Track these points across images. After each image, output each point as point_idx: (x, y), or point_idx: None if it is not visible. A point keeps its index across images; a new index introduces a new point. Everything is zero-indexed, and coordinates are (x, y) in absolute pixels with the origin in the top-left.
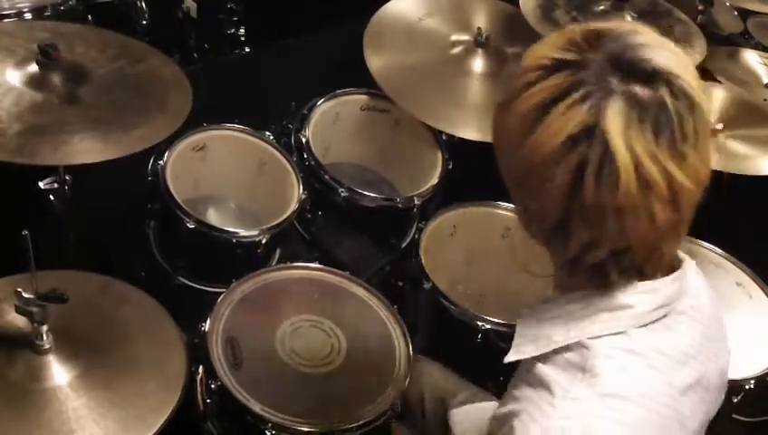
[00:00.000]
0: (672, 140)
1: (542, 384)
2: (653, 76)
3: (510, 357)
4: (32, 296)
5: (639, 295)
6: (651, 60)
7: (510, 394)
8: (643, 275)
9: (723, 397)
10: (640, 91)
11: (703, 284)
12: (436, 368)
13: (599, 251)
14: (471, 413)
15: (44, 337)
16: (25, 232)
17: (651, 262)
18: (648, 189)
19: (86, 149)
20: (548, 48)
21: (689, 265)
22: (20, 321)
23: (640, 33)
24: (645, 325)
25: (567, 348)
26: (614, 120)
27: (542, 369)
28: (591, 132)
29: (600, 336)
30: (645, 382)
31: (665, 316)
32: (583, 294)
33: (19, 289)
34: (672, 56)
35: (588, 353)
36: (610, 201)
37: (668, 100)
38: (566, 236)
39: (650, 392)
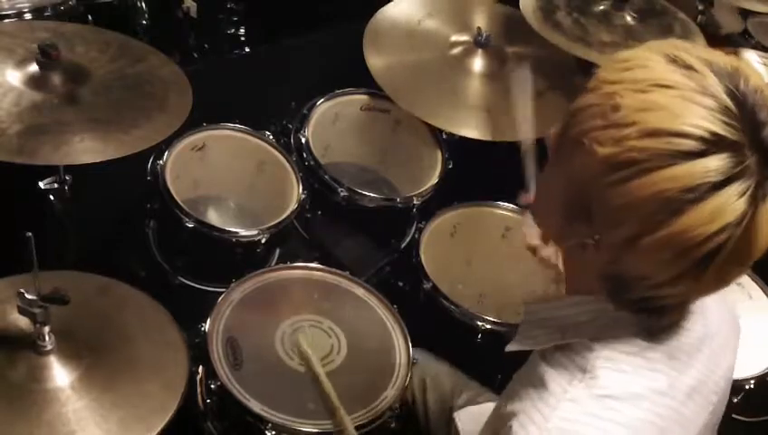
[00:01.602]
0: None
1: (542, 383)
2: None
3: (511, 347)
4: (34, 297)
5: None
6: None
7: (512, 389)
8: None
9: (725, 404)
10: None
11: None
12: (440, 365)
13: (675, 299)
14: (477, 415)
15: (46, 338)
16: (29, 233)
17: None
18: (756, 259)
19: (86, 149)
20: (700, 114)
21: None
22: (22, 322)
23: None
24: (648, 332)
25: (570, 347)
26: (766, 207)
27: (543, 367)
28: (742, 220)
29: (604, 339)
30: (645, 385)
31: (668, 325)
32: (593, 299)
33: (21, 290)
34: None
35: (590, 355)
36: (729, 274)
37: None
38: (655, 289)
39: (651, 395)
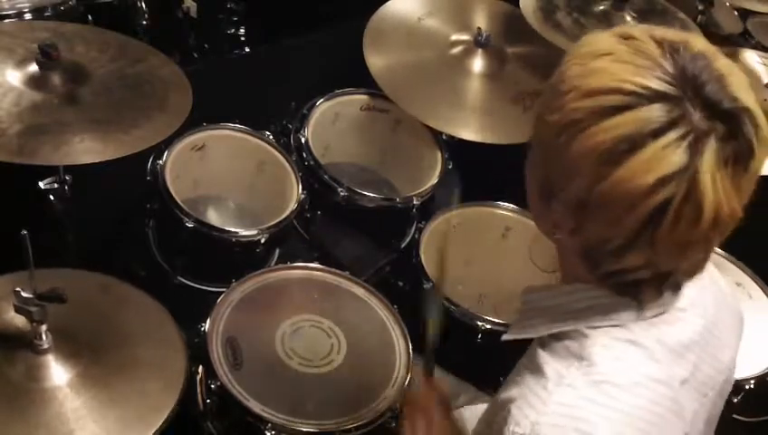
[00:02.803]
0: (741, 177)
1: (540, 370)
2: (739, 116)
3: (507, 336)
4: (31, 296)
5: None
6: (738, 99)
7: (511, 378)
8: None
9: (724, 400)
10: (728, 131)
11: (710, 282)
12: (441, 367)
13: (643, 272)
14: (477, 414)
15: (44, 337)
16: (24, 232)
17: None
18: (717, 225)
19: (86, 150)
20: (632, 71)
21: None
22: (19, 320)
23: (717, 60)
24: (644, 320)
25: (567, 335)
26: (708, 161)
27: (541, 354)
28: (684, 173)
29: (600, 326)
30: (642, 372)
31: (663, 313)
32: (589, 287)
33: (18, 288)
34: (748, 88)
35: (586, 342)
36: (683, 236)
37: (753, 141)
38: (618, 257)
39: (647, 382)
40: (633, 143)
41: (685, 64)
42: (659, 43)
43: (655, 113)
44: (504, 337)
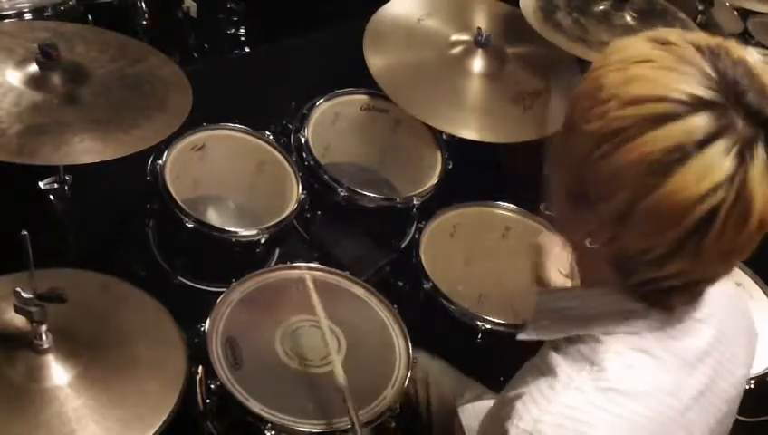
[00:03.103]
0: None
1: (551, 371)
2: None
3: (522, 336)
4: (31, 296)
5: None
6: None
7: (520, 377)
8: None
9: (735, 412)
10: None
11: (725, 292)
12: (441, 366)
13: (678, 280)
14: (480, 412)
15: (44, 337)
16: (24, 232)
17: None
18: (761, 230)
19: (86, 150)
20: (676, 78)
21: None
22: (19, 320)
23: (756, 66)
24: (660, 329)
25: (581, 339)
26: (756, 168)
27: (554, 356)
28: (732, 180)
29: (615, 333)
30: (652, 382)
31: (680, 322)
32: (606, 291)
33: (18, 289)
34: None
35: (599, 347)
36: (729, 243)
37: None
38: (657, 266)
39: (656, 393)
40: (683, 153)
41: (726, 71)
42: (699, 48)
43: (702, 122)
44: (519, 337)
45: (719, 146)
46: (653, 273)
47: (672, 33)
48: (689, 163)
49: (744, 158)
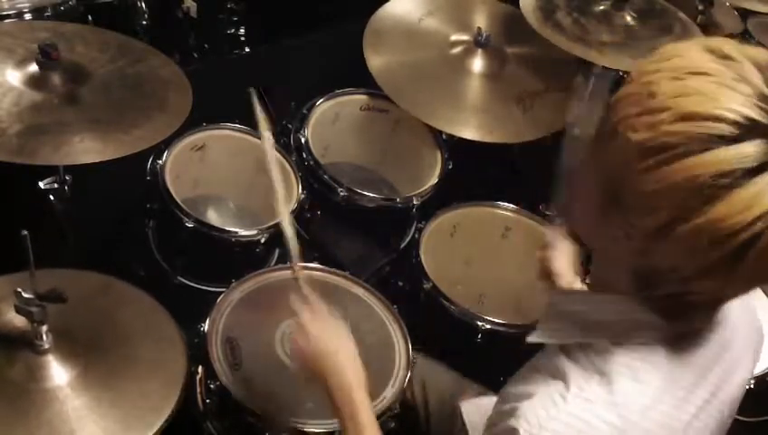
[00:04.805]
0: None
1: (561, 376)
2: None
3: (532, 338)
4: (31, 296)
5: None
6: None
7: (529, 374)
8: None
9: (734, 413)
10: None
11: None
12: (440, 367)
13: (703, 297)
14: (482, 407)
15: (44, 337)
16: (25, 232)
17: None
18: None
19: (86, 150)
20: (736, 99)
21: None
22: (19, 320)
23: None
24: (671, 340)
25: (592, 347)
26: None
27: (563, 360)
28: None
29: (625, 343)
30: (659, 398)
31: (691, 333)
32: (621, 298)
33: (19, 289)
34: None
35: (610, 358)
36: (762, 269)
37: None
38: (685, 283)
39: (663, 408)
40: (733, 179)
41: None
42: (758, 66)
43: (757, 149)
44: (529, 339)
45: None
46: (677, 288)
47: (731, 46)
48: (738, 191)
49: None
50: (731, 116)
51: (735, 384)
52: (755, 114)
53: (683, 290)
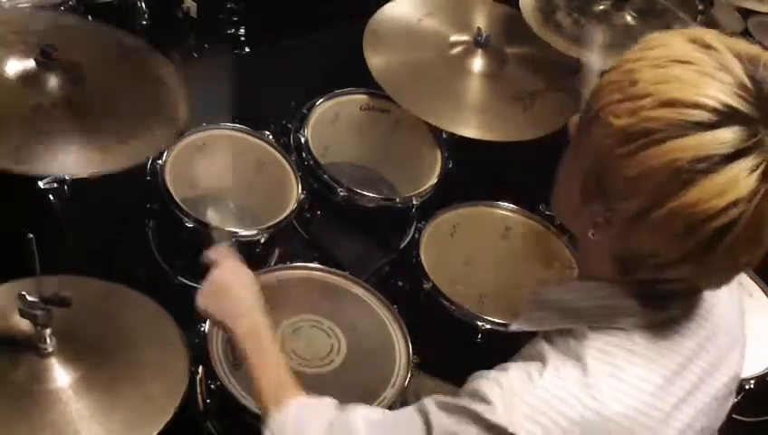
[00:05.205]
0: None
1: (540, 357)
2: None
3: (514, 327)
4: (36, 300)
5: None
6: None
7: (510, 360)
8: None
9: (729, 406)
10: None
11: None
12: (434, 382)
13: (680, 285)
14: None
15: (48, 340)
16: (30, 235)
17: None
18: None
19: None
20: (716, 86)
21: None
22: (23, 324)
23: None
24: (649, 327)
25: (570, 333)
26: None
27: (544, 345)
28: (752, 197)
29: (602, 328)
30: (634, 383)
31: (672, 322)
32: (601, 285)
33: (23, 292)
34: None
35: (586, 342)
36: (737, 257)
37: None
38: (661, 269)
39: (637, 394)
40: (709, 164)
41: (763, 85)
42: (739, 57)
43: (734, 135)
44: (512, 328)
45: (746, 163)
46: (655, 274)
47: (713, 37)
48: (714, 176)
49: (766, 177)
50: (711, 103)
51: (724, 379)
52: (734, 102)
53: (661, 277)
